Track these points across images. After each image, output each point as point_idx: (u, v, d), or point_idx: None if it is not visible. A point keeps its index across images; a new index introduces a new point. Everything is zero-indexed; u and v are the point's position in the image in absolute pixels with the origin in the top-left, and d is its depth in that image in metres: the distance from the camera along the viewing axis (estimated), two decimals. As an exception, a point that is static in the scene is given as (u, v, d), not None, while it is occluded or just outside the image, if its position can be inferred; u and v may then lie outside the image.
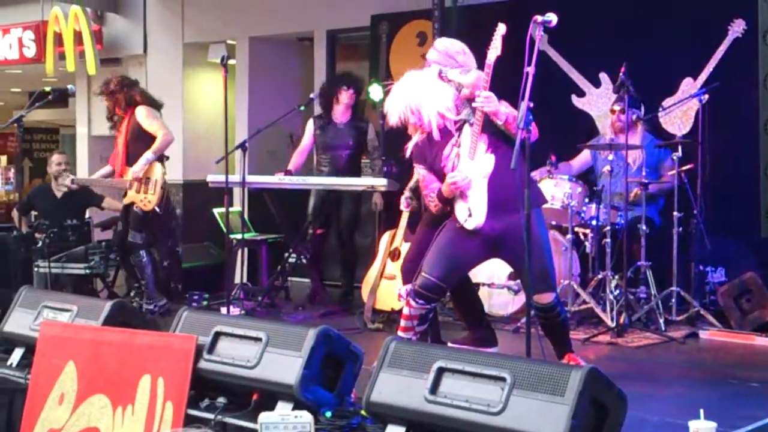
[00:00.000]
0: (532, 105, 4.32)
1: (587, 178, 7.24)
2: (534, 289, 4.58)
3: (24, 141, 7.17)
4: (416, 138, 4.96)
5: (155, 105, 7.43)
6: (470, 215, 4.75)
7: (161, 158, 7.29)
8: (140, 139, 7.19)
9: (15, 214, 9.25)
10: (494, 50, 4.70)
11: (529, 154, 4.35)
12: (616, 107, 6.94)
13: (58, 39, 11.75)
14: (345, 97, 7.61)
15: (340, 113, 7.63)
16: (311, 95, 7.90)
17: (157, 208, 7.11)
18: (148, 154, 7.13)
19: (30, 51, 12.44)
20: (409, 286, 4.96)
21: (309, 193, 7.71)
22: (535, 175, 6.79)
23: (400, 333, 4.88)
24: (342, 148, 7.60)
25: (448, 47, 5.49)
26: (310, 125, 7.80)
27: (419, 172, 5.07)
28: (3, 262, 7.04)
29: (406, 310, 4.91)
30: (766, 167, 3.80)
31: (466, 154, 4.75)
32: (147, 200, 7.16)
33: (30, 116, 7.07)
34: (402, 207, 6.59)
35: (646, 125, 7.04)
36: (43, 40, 11.98)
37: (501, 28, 4.72)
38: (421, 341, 5.06)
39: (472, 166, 4.74)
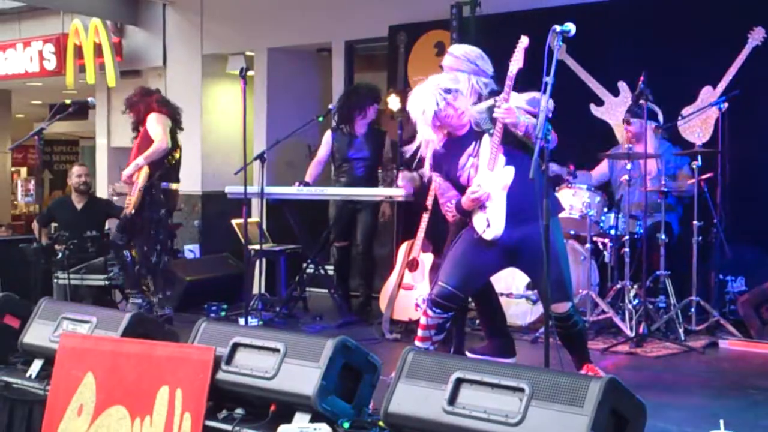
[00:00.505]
0: (552, 109, 4.32)
1: (606, 188, 7.22)
2: (550, 298, 4.57)
3: (44, 153, 7.20)
4: (423, 146, 4.93)
5: (171, 111, 7.43)
6: (489, 226, 4.74)
7: (168, 171, 7.26)
8: (149, 146, 7.20)
9: (35, 225, 9.30)
10: (516, 63, 4.68)
11: (548, 164, 4.34)
12: (627, 117, 6.96)
13: (78, 51, 11.84)
14: (372, 112, 7.72)
15: (360, 126, 7.66)
16: (330, 106, 7.91)
17: (133, 211, 7.10)
18: (139, 159, 7.13)
19: (50, 64, 12.53)
20: (426, 296, 4.95)
21: (327, 204, 7.73)
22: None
23: (417, 343, 4.87)
24: (360, 160, 7.63)
25: (467, 52, 5.52)
26: (327, 137, 7.81)
27: (436, 180, 5.07)
28: (23, 273, 7.08)
29: (423, 320, 4.91)
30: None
31: (485, 165, 4.74)
32: (129, 203, 7.20)
33: (50, 128, 7.11)
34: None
35: (663, 133, 7.02)
36: (64, 52, 12.07)
37: (523, 41, 4.70)
38: (441, 352, 5.07)
39: (491, 177, 4.73)
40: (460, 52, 5.51)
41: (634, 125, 6.88)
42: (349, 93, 7.97)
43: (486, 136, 4.79)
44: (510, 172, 4.70)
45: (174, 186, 7.40)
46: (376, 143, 7.76)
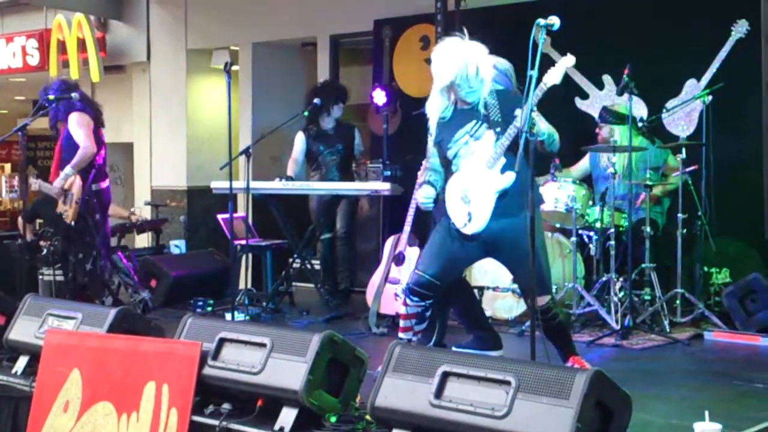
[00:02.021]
0: (535, 109, 4.33)
1: (588, 183, 7.24)
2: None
3: (28, 149, 7.16)
4: (431, 113, 4.93)
5: (95, 111, 7.29)
6: (470, 221, 4.74)
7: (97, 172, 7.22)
8: (74, 148, 7.06)
9: (20, 222, 9.25)
10: (553, 78, 4.55)
11: (533, 159, 4.34)
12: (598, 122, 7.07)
13: (62, 47, 11.79)
14: (337, 110, 7.82)
15: (327, 121, 7.82)
16: (315, 101, 7.90)
17: (72, 223, 7.02)
18: (68, 169, 6.99)
19: (34, 59, 12.47)
20: (405, 286, 4.98)
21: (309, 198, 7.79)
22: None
23: (400, 334, 4.92)
24: (332, 153, 7.72)
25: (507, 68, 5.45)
26: (300, 138, 7.87)
27: (425, 162, 5.10)
28: (8, 270, 7.05)
29: (403, 310, 4.99)
30: (768, 169, 3.81)
31: (484, 161, 4.73)
32: (66, 213, 7.07)
33: (34, 124, 7.07)
34: None
35: (642, 130, 7.04)
36: (47, 48, 12.02)
37: (569, 60, 4.62)
38: (422, 343, 5.10)
39: (487, 175, 4.72)
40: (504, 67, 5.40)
41: (604, 130, 6.94)
42: (316, 91, 7.98)
43: (489, 133, 4.76)
44: (510, 177, 4.66)
45: (104, 185, 7.29)
46: (346, 137, 7.91)
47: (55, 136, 7.31)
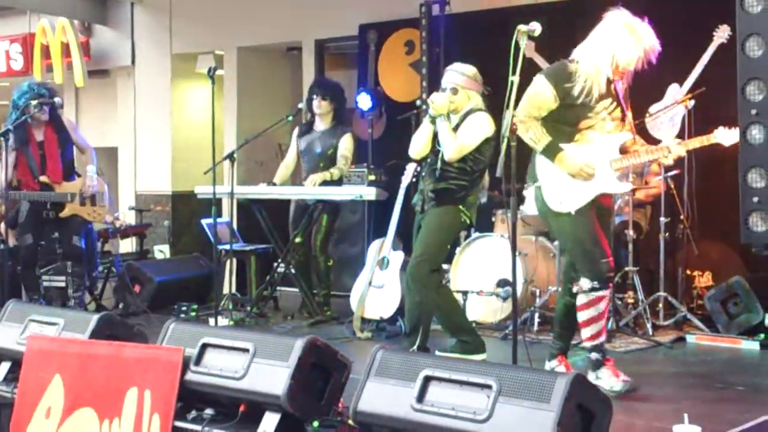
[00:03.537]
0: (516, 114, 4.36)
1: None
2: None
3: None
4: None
5: None
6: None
7: None
8: (72, 150, 7.47)
9: (2, 227, 9.21)
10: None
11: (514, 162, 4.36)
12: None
13: (46, 51, 11.77)
14: (315, 105, 7.47)
15: (320, 121, 7.57)
16: (299, 105, 7.89)
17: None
18: (94, 169, 7.46)
19: (17, 63, 12.44)
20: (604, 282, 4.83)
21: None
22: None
23: (597, 341, 4.87)
24: (313, 156, 7.46)
25: (475, 73, 5.76)
26: (294, 135, 7.75)
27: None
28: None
29: (594, 311, 4.85)
30: (744, 174, 3.83)
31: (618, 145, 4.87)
32: (98, 213, 7.49)
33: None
34: None
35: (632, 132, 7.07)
36: (31, 52, 11.99)
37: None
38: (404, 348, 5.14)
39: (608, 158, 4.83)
40: (472, 72, 5.75)
41: None
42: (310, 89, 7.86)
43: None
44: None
45: None
46: (330, 141, 7.45)
47: (22, 140, 7.24)
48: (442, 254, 5.77)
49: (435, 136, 5.76)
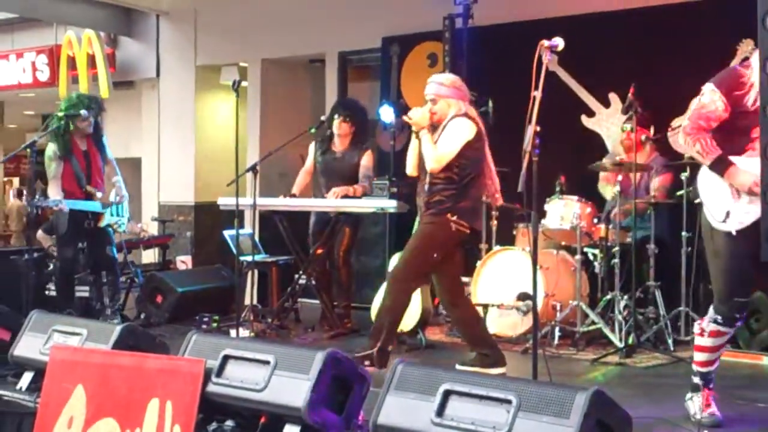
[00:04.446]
0: (539, 129, 4.35)
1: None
2: None
3: (37, 163, 7.21)
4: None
5: None
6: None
7: None
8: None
9: (41, 234, 9.30)
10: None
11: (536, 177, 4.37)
12: (627, 126, 6.98)
13: (72, 62, 11.89)
14: (336, 126, 7.50)
15: (339, 141, 7.57)
16: (322, 117, 7.91)
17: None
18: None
19: (43, 75, 12.57)
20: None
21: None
22: None
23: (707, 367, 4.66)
24: (336, 178, 7.46)
25: (454, 81, 5.80)
26: (312, 148, 7.78)
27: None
28: (15, 285, 7.06)
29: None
30: (764, 192, 3.80)
31: None
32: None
33: (43, 138, 7.14)
34: None
35: (656, 146, 7.06)
36: (57, 63, 12.12)
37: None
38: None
39: None
40: (449, 81, 5.82)
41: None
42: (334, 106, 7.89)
43: None
44: None
45: None
46: (352, 163, 7.52)
47: (67, 150, 7.33)
48: (423, 264, 5.74)
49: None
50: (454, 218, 5.63)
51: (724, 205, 4.35)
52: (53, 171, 7.20)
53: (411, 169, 5.93)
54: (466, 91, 5.83)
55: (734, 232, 4.31)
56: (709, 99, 4.38)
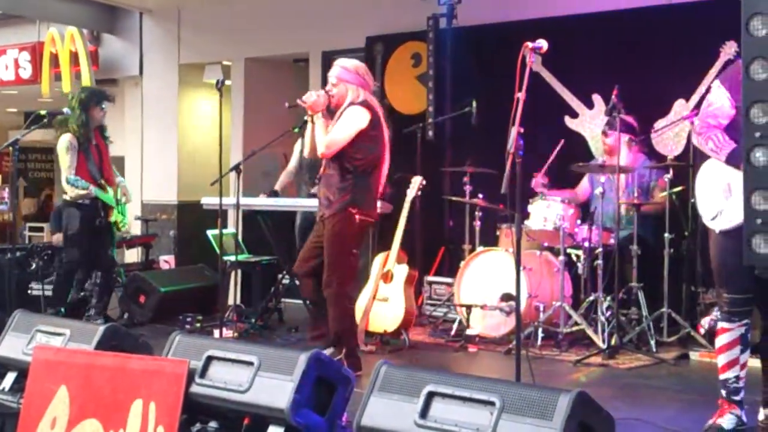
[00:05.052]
0: (522, 130, 4.36)
1: (588, 202, 7.26)
2: None
3: (19, 161, 7.18)
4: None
5: None
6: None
7: None
8: None
9: (57, 237, 9.23)
10: None
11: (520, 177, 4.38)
12: (605, 129, 7.00)
13: (54, 60, 11.82)
14: None
15: None
16: (305, 117, 7.90)
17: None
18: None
19: (26, 72, 12.49)
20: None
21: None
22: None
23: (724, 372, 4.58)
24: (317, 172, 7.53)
25: (359, 67, 5.80)
26: (297, 146, 7.80)
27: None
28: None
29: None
30: (748, 196, 3.83)
31: None
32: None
33: (25, 137, 7.11)
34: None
35: (640, 147, 7.08)
36: (39, 60, 12.04)
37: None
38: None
39: None
40: (352, 66, 5.80)
41: (611, 138, 6.91)
42: None
43: None
44: None
45: None
46: None
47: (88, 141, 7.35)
48: (347, 264, 5.75)
49: None
50: (356, 211, 5.66)
51: (716, 204, 4.39)
52: (68, 161, 7.18)
53: (307, 152, 5.95)
54: (369, 81, 5.84)
55: (717, 231, 4.37)
56: (716, 96, 4.41)
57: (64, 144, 7.15)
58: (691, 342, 6.48)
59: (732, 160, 4.29)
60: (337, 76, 5.75)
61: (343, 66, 5.79)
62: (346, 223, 5.65)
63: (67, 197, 7.31)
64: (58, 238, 8.04)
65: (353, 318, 5.97)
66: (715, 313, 4.53)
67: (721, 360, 4.55)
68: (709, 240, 4.52)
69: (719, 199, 4.39)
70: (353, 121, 5.63)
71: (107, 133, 7.58)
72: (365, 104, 5.69)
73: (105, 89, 7.85)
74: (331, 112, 5.76)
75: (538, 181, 6.97)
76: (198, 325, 7.52)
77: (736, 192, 4.26)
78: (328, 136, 5.63)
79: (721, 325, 4.56)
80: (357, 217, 5.65)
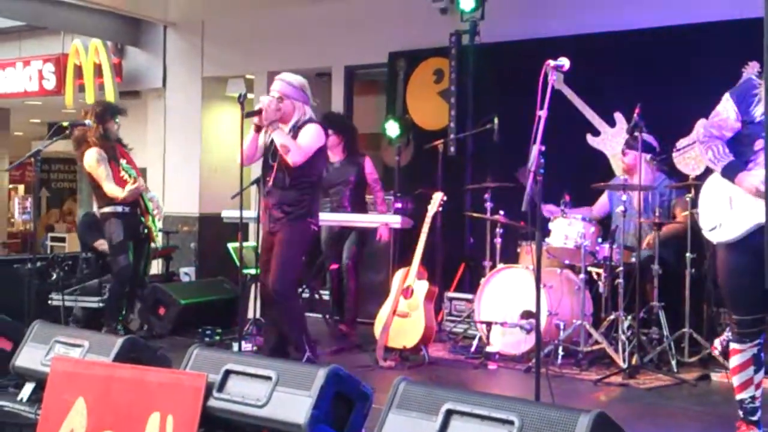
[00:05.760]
0: (543, 148, 4.35)
1: (607, 221, 7.23)
2: None
3: (42, 171, 7.20)
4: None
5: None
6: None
7: None
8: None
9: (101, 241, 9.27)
10: None
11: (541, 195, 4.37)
12: (624, 148, 6.99)
13: (78, 71, 11.91)
14: (331, 141, 7.57)
15: (331, 153, 7.61)
16: (329, 131, 7.92)
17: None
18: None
19: (50, 83, 12.59)
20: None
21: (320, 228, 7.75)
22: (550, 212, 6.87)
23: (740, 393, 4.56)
24: (343, 184, 7.64)
25: (303, 84, 5.91)
26: None
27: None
28: (17, 294, 7.05)
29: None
30: (769, 217, 3.80)
31: None
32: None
33: (48, 147, 7.14)
34: None
35: (660, 166, 7.05)
36: (63, 72, 12.14)
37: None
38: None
39: None
40: (298, 82, 5.93)
41: (629, 157, 6.90)
42: (329, 118, 7.94)
43: None
44: None
45: None
46: (356, 168, 7.72)
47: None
48: (296, 270, 6.00)
49: (268, 149, 5.87)
50: (312, 220, 5.88)
51: (716, 216, 4.42)
52: (104, 172, 7.15)
53: (247, 159, 5.95)
54: (310, 97, 5.95)
55: (715, 242, 4.42)
56: (723, 107, 4.45)
57: (94, 157, 7.13)
58: (712, 362, 6.42)
59: (727, 172, 4.34)
60: (280, 92, 5.82)
61: (287, 81, 5.88)
62: (302, 232, 5.87)
63: (106, 210, 7.28)
64: (101, 243, 8.03)
65: (303, 315, 6.20)
66: (727, 334, 4.49)
67: (736, 381, 4.53)
68: (717, 260, 4.51)
69: (720, 211, 4.41)
70: (316, 138, 5.82)
71: (125, 142, 7.58)
72: (320, 123, 5.97)
73: (117, 104, 7.86)
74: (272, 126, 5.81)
75: (548, 208, 6.92)
76: (218, 338, 7.52)
77: (736, 205, 4.30)
78: (303, 146, 5.73)
79: (732, 346, 4.54)
80: (312, 227, 5.92)
